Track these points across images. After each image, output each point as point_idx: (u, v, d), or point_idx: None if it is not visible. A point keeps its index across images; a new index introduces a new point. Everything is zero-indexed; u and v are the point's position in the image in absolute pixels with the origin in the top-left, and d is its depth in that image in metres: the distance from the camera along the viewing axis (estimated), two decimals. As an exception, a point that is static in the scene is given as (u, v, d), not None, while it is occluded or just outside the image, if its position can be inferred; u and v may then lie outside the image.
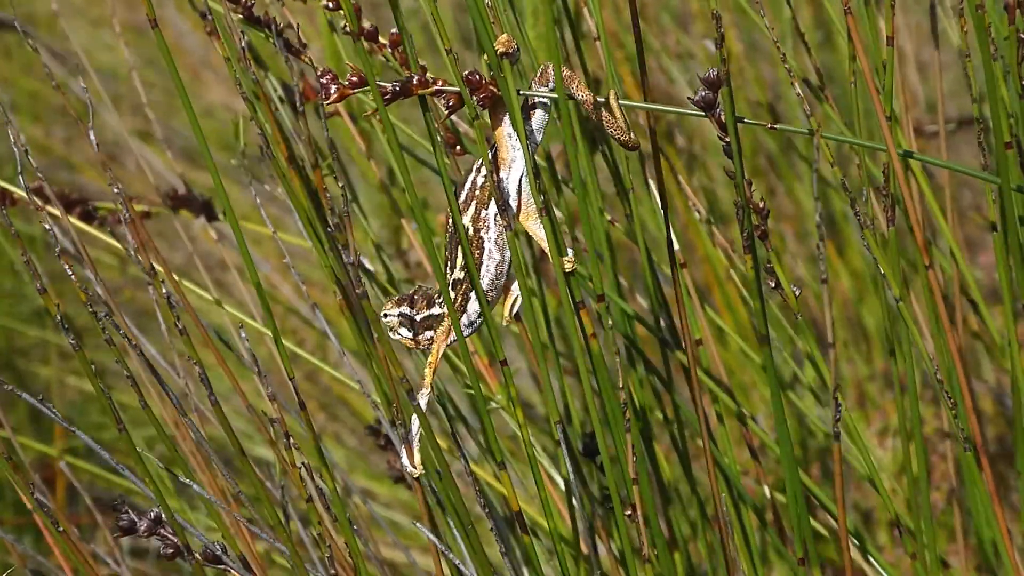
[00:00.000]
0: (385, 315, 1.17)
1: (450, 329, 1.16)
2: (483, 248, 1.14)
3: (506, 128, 1.13)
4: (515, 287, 1.16)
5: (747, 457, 1.91)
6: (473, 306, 1.15)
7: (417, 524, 1.20)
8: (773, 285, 1.16)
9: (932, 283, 1.03)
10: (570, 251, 1.14)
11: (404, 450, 1.14)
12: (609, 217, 1.40)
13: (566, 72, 1.12)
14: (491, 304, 1.15)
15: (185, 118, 3.57)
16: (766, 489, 1.35)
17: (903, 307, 1.04)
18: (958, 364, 1.06)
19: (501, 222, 1.12)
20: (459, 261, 1.15)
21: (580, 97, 1.12)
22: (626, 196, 1.32)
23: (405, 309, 1.16)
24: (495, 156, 1.14)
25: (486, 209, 1.14)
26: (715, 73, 1.09)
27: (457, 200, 1.14)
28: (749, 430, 1.30)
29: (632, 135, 1.13)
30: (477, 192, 1.14)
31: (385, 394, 1.27)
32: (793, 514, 1.16)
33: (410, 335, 1.17)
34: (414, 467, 1.15)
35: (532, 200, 1.13)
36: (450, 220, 1.14)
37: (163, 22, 3.98)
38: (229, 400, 2.61)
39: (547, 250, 1.13)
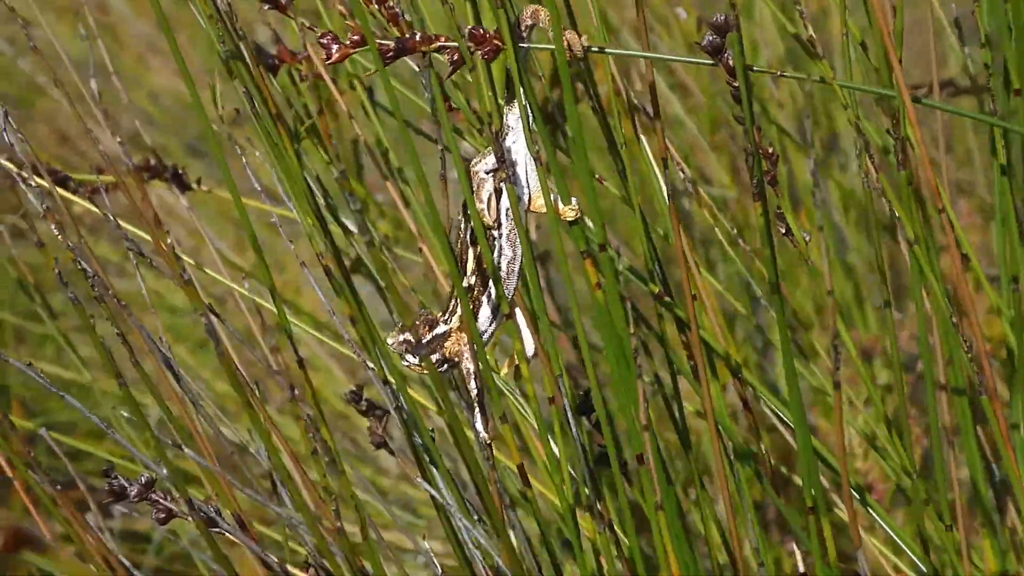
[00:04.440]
0: (389, 344, 1.14)
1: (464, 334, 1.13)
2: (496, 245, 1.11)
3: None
4: (526, 335, 1.14)
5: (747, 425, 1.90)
6: (484, 313, 1.13)
7: (418, 480, 1.18)
8: (784, 231, 1.15)
9: (946, 225, 1.02)
10: (573, 199, 1.12)
11: (478, 416, 1.12)
12: (597, 175, 1.39)
13: (532, 8, 1.09)
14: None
15: (134, 104, 3.53)
16: (763, 447, 1.35)
17: (918, 250, 1.04)
18: (970, 306, 1.05)
19: (510, 211, 1.09)
20: (470, 266, 1.12)
21: (543, 21, 1.09)
22: (618, 152, 1.30)
23: (408, 336, 1.13)
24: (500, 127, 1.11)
25: (498, 203, 1.11)
26: (723, 18, 1.08)
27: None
28: (742, 380, 1.29)
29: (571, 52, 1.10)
30: (488, 184, 1.11)
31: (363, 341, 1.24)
32: (803, 461, 1.15)
33: (416, 361, 1.14)
34: (487, 433, 1.13)
35: (539, 185, 1.10)
36: (459, 220, 1.11)
37: (107, 8, 3.94)
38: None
39: (545, 208, 1.10)
